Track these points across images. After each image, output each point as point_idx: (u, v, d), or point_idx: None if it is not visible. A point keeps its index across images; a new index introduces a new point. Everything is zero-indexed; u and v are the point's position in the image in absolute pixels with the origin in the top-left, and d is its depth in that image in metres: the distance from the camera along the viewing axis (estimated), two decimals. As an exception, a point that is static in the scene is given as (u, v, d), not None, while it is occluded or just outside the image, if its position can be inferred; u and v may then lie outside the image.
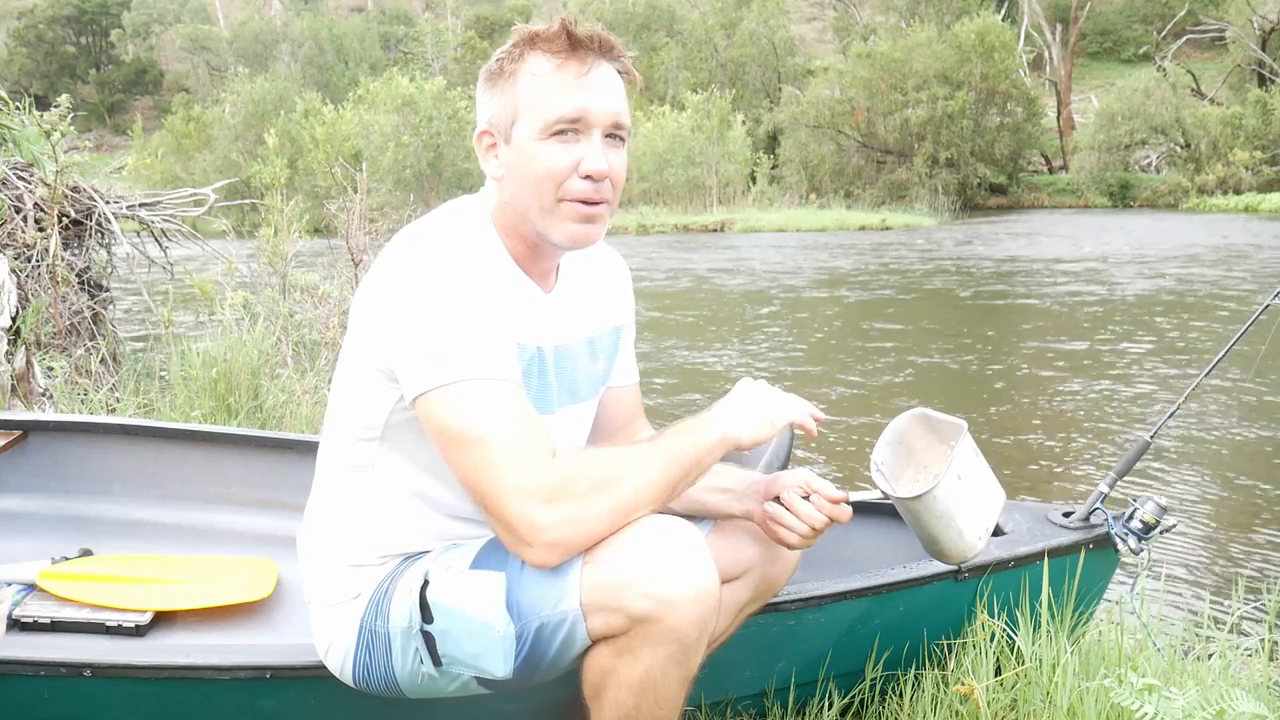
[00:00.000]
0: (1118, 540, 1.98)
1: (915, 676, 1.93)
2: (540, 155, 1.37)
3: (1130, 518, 1.99)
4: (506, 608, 1.34)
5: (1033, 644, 1.88)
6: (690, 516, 1.62)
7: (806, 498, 1.53)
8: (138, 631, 1.95)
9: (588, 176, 1.38)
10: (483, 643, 1.35)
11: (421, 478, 1.44)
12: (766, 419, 1.44)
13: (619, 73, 1.43)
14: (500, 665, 1.36)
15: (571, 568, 1.32)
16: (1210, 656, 2.21)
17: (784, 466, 2.15)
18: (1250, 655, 2.34)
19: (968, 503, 1.54)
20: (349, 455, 1.47)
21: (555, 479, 1.30)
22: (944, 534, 1.53)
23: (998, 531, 2.04)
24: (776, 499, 1.55)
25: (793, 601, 1.78)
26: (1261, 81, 36.43)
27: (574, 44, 1.37)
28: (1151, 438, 2.12)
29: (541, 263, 1.49)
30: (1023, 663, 1.87)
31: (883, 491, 1.55)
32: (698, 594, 1.30)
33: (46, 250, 4.63)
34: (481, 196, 1.49)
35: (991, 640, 1.90)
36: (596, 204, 1.40)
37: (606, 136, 1.40)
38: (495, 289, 1.38)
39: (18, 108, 5.36)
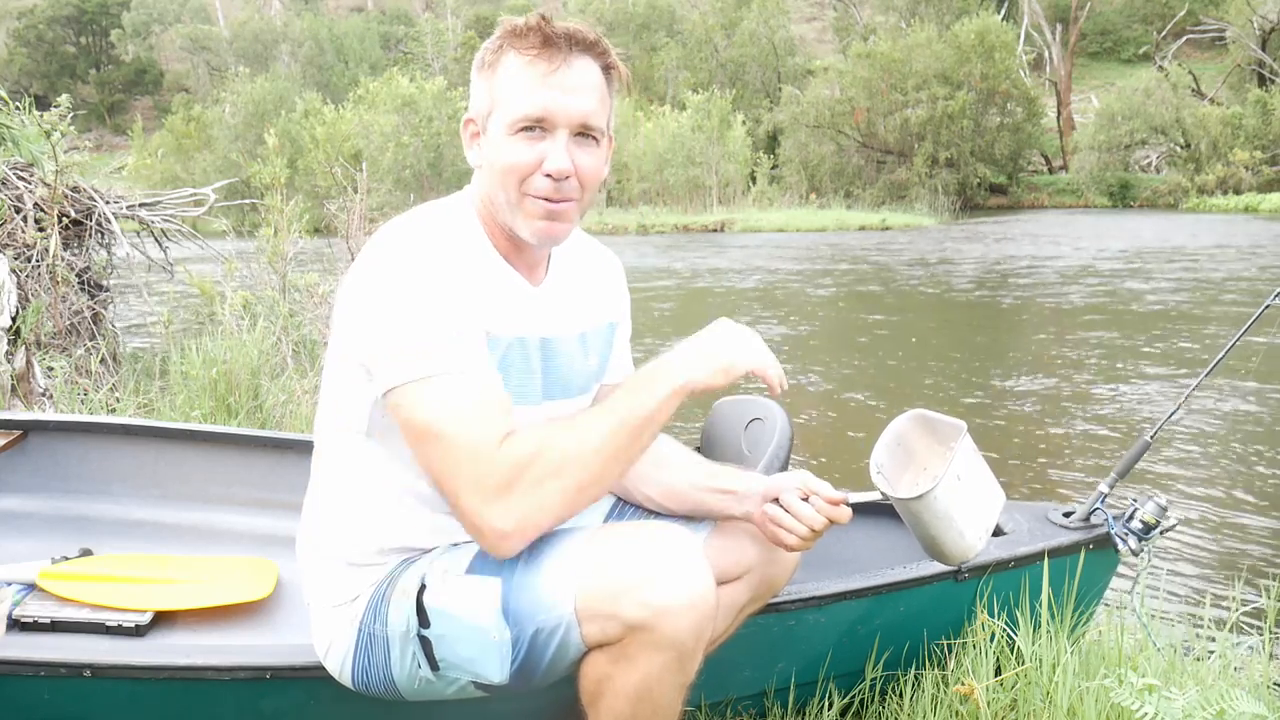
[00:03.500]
0: (1118, 540, 1.98)
1: (915, 676, 1.93)
2: (506, 150, 1.37)
3: (1130, 518, 1.99)
4: (502, 613, 1.34)
5: (1033, 644, 1.88)
6: (690, 518, 1.62)
7: (806, 499, 1.53)
8: (138, 631, 1.95)
9: (549, 175, 1.37)
10: (479, 648, 1.35)
11: (409, 472, 1.43)
12: (723, 365, 1.38)
13: (604, 69, 1.40)
14: (496, 670, 1.36)
15: (566, 573, 1.32)
16: (1210, 656, 2.21)
17: (784, 468, 2.15)
18: (1250, 655, 2.33)
19: (968, 503, 1.54)
20: (339, 451, 1.47)
21: (503, 472, 1.29)
22: (945, 535, 1.52)
23: (998, 531, 2.04)
24: (776, 501, 1.55)
25: (793, 601, 1.78)
26: (1261, 81, 36.44)
27: (546, 41, 1.35)
28: (1151, 438, 2.12)
29: (526, 255, 1.47)
30: (1023, 663, 1.87)
31: (882, 493, 1.55)
32: (693, 601, 1.29)
33: (46, 250, 4.63)
34: (469, 189, 1.49)
35: (991, 640, 1.90)
36: (560, 202, 1.39)
37: (576, 135, 1.38)
38: (461, 278, 1.36)
39: (18, 108, 5.36)
